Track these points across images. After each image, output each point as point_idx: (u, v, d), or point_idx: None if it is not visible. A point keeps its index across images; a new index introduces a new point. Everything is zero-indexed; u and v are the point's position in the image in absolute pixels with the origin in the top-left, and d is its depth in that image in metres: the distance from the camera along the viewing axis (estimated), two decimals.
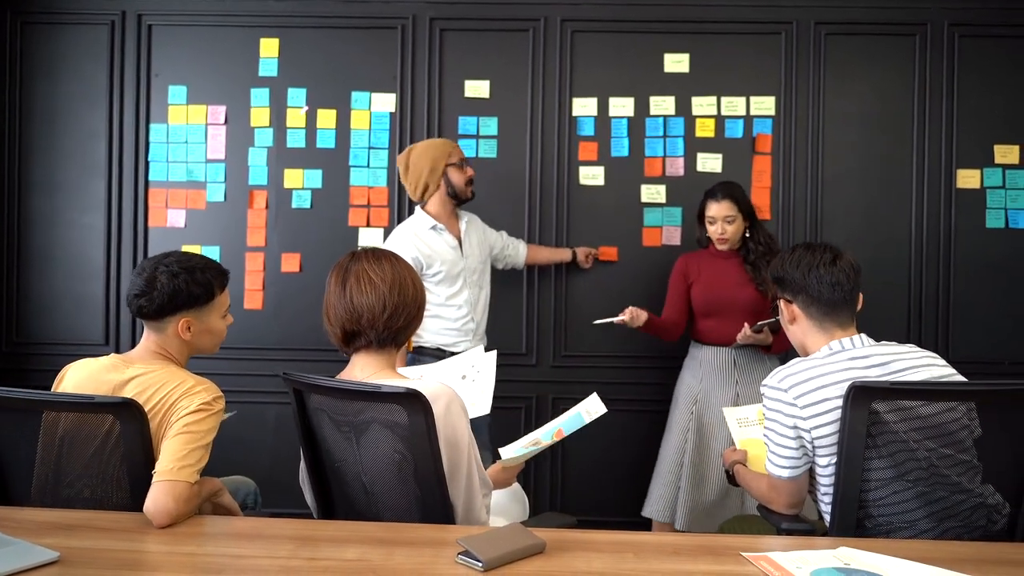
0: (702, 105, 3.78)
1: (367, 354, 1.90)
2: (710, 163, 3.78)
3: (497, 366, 2.56)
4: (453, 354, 3.27)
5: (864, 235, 3.78)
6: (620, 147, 3.80)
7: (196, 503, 1.82)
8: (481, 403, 2.49)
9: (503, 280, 3.76)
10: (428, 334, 3.22)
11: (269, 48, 3.86)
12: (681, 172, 3.79)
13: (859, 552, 1.60)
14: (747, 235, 3.30)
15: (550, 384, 3.81)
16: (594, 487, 3.82)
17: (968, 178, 3.76)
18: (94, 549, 1.57)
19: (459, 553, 1.52)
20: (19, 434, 1.99)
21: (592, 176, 3.80)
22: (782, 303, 2.15)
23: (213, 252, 3.83)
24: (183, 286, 2.01)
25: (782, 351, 3.22)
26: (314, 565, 1.51)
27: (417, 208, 3.33)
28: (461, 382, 2.56)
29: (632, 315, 3.22)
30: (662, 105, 3.79)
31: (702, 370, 3.31)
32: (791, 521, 2.02)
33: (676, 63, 3.79)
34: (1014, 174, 3.75)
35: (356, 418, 1.79)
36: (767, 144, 3.78)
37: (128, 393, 1.94)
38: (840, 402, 1.88)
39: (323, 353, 3.75)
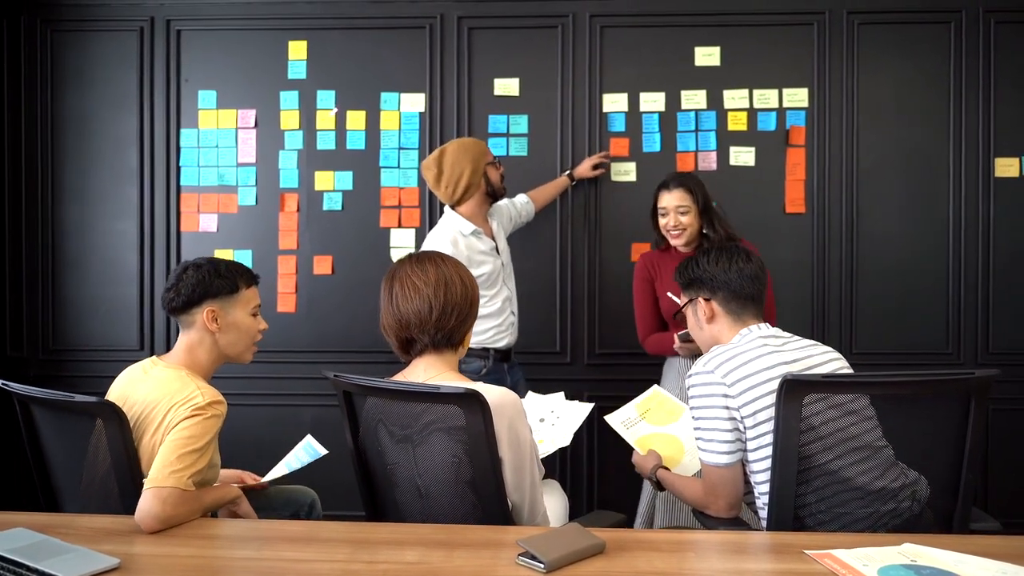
0: (734, 98, 3.74)
1: (427, 356, 1.90)
2: (743, 157, 3.74)
3: (586, 418, 2.56)
4: (497, 351, 3.24)
5: (901, 226, 3.73)
6: (652, 142, 3.77)
7: (190, 507, 1.80)
8: (560, 439, 2.44)
9: (537, 278, 3.74)
10: (472, 335, 3.19)
11: (297, 51, 3.86)
12: (714, 166, 3.75)
13: (924, 548, 1.57)
14: (704, 232, 3.04)
15: (585, 383, 3.78)
16: (634, 484, 3.78)
17: (1007, 167, 3.70)
18: (153, 555, 1.57)
19: (519, 554, 1.50)
20: (57, 436, 2.04)
21: (624, 172, 3.77)
22: (700, 303, 2.20)
23: (245, 256, 3.84)
24: (206, 276, 2.13)
25: None
26: (374, 568, 1.49)
27: (447, 209, 3.26)
28: (539, 424, 2.52)
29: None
30: (693, 99, 3.75)
31: (680, 379, 3.05)
32: (731, 525, 1.98)
33: (707, 56, 3.76)
34: None
35: (412, 420, 1.78)
36: (801, 136, 3.74)
37: (140, 394, 1.99)
38: (762, 377, 1.95)
39: (357, 355, 3.76)
